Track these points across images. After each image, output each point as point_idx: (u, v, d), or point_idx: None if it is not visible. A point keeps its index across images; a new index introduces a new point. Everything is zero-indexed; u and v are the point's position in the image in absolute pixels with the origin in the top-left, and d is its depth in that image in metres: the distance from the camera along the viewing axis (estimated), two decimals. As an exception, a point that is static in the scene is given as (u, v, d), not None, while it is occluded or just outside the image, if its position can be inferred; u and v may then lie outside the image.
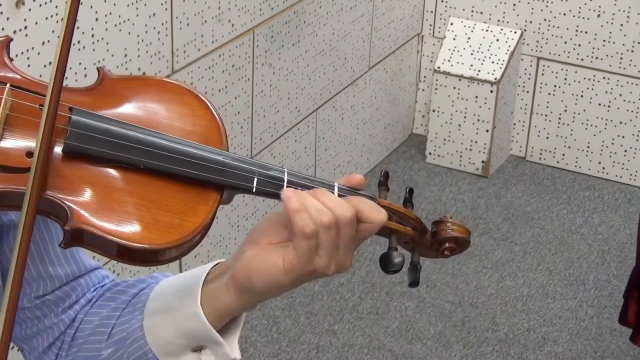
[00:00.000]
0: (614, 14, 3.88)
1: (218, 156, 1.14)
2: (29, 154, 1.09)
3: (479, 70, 4.00)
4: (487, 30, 4.08)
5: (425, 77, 4.28)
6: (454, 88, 4.03)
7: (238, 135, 3.15)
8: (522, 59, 4.09)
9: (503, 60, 4.00)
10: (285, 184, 1.15)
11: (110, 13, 2.51)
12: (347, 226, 1.13)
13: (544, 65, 4.07)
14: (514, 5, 4.03)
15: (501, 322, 3.30)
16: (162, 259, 1.12)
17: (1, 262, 1.24)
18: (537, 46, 4.05)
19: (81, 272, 1.30)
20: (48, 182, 1.08)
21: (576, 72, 4.02)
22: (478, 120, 4.03)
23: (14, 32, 2.22)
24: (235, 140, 3.14)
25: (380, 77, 3.98)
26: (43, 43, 2.31)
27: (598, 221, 3.84)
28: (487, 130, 4.04)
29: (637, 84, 3.94)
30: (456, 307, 3.35)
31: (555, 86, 4.08)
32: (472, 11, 4.10)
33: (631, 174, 4.07)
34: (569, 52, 4.00)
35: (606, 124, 4.04)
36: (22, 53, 2.26)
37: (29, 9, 2.26)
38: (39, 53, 2.30)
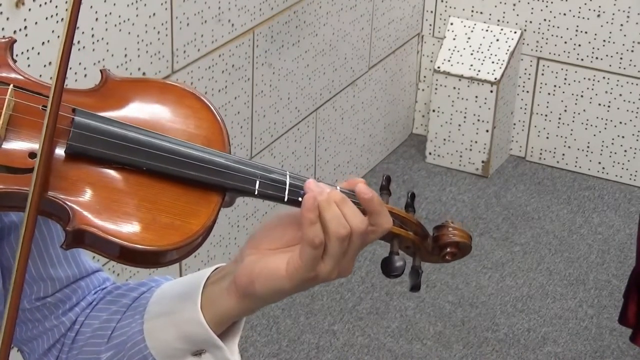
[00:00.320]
0: (614, 14, 3.88)
1: (220, 158, 1.14)
2: (32, 154, 1.09)
3: (479, 70, 4.00)
4: (487, 30, 4.07)
5: (425, 77, 4.28)
6: (454, 88, 4.03)
7: (238, 135, 3.15)
8: (522, 59, 4.09)
9: (503, 60, 4.00)
10: (287, 187, 1.14)
11: (110, 13, 2.51)
12: (360, 237, 1.13)
13: (544, 65, 4.07)
14: (514, 5, 4.03)
15: (501, 322, 3.30)
16: (163, 260, 1.11)
17: (1, 262, 1.24)
18: (537, 46, 4.05)
19: (82, 274, 1.30)
20: (50, 183, 1.08)
21: (576, 72, 4.02)
22: (478, 120, 4.03)
23: (14, 32, 2.22)
24: (235, 140, 3.14)
25: (380, 77, 3.98)
26: (43, 43, 2.31)
27: (598, 221, 3.84)
28: (487, 130, 4.03)
29: (637, 84, 3.94)
30: (456, 307, 3.35)
31: (555, 86, 4.08)
32: (472, 11, 4.10)
33: (631, 174, 4.07)
34: (569, 52, 4.00)
35: (606, 124, 4.04)
36: (22, 53, 2.26)
37: (29, 9, 2.25)
38: (39, 53, 2.30)
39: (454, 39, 4.08)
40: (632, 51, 3.90)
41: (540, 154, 4.21)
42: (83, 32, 2.43)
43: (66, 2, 2.33)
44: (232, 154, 1.16)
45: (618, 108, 4.00)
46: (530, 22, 4.03)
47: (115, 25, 2.53)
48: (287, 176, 1.15)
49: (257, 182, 1.14)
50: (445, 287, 3.44)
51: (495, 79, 3.97)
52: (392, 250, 1.18)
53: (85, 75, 2.46)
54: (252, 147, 3.25)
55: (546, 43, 4.03)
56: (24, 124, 1.10)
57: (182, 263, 2.95)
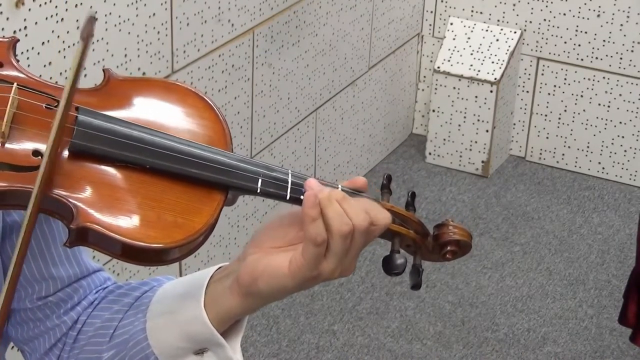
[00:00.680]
0: (614, 14, 3.88)
1: (222, 157, 1.14)
2: (36, 152, 1.09)
3: (479, 70, 4.00)
4: (487, 30, 4.08)
5: (425, 77, 4.28)
6: (454, 88, 4.03)
7: (238, 135, 3.15)
8: (522, 59, 4.09)
9: (503, 60, 4.00)
10: (289, 185, 1.15)
11: (110, 13, 2.51)
12: (362, 235, 1.13)
13: (543, 65, 4.07)
14: (514, 5, 4.03)
15: (501, 322, 3.30)
16: (166, 258, 1.12)
17: (3, 261, 1.24)
18: (537, 46, 4.05)
19: (83, 274, 1.30)
20: (53, 181, 1.08)
21: (576, 72, 4.02)
22: (478, 120, 4.03)
23: (14, 32, 2.22)
24: (235, 140, 3.14)
25: (380, 77, 3.98)
26: (43, 43, 2.31)
27: (598, 221, 3.84)
28: (487, 130, 4.04)
29: (637, 84, 3.94)
30: (456, 307, 3.35)
31: (555, 86, 4.08)
32: (472, 11, 4.10)
33: (631, 174, 4.07)
34: (568, 52, 4.00)
35: (606, 124, 4.04)
36: (22, 53, 2.26)
37: (29, 9, 2.25)
38: (38, 53, 2.30)
39: (454, 39, 4.08)
40: (632, 51, 3.90)
41: (540, 154, 4.21)
42: (83, 32, 2.42)
43: (66, 2, 2.33)
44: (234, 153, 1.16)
45: (618, 108, 4.00)
46: (530, 22, 4.03)
47: (115, 25, 2.54)
48: (290, 174, 1.15)
49: (260, 181, 1.14)
50: (445, 287, 3.44)
51: (495, 79, 3.97)
52: (393, 249, 1.18)
53: (85, 75, 2.46)
54: (252, 147, 3.25)
55: (546, 43, 4.03)
56: (28, 122, 1.10)
57: (182, 263, 2.95)
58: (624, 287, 2.83)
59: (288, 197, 1.15)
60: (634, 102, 3.97)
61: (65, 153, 1.10)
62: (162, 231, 1.09)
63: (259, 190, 1.14)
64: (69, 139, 1.10)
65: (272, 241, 1.16)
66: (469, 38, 4.07)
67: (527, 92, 4.14)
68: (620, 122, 4.02)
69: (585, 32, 3.95)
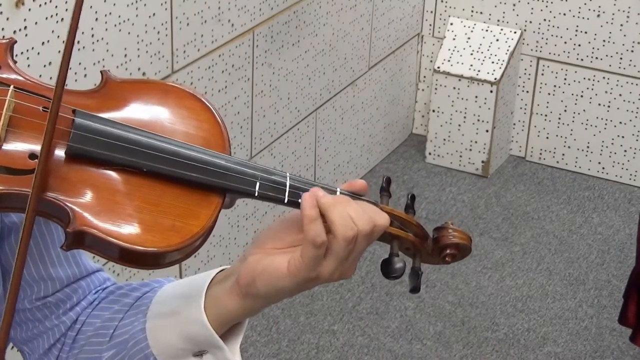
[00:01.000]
0: (614, 14, 3.88)
1: (220, 160, 1.14)
2: (32, 155, 1.09)
3: (479, 70, 4.00)
4: (487, 30, 4.07)
5: (425, 77, 4.28)
6: (454, 88, 4.03)
7: (238, 135, 3.15)
8: (522, 59, 4.09)
9: (503, 60, 4.00)
10: (287, 189, 1.15)
11: (110, 13, 2.51)
12: (365, 239, 1.13)
13: (543, 65, 4.07)
14: (514, 5, 4.03)
15: (501, 322, 3.30)
16: (163, 262, 1.12)
17: (1, 263, 1.24)
18: (537, 46, 4.05)
19: (82, 274, 1.30)
20: (50, 184, 1.08)
21: (576, 72, 4.02)
22: (478, 120, 4.03)
23: (14, 32, 2.22)
24: (235, 140, 3.14)
25: (380, 77, 3.98)
26: (43, 43, 2.31)
27: (598, 221, 3.84)
28: (487, 130, 4.04)
29: (637, 84, 3.94)
30: (456, 307, 3.35)
31: (555, 86, 4.08)
32: (472, 11, 4.10)
33: (631, 174, 4.07)
34: (568, 52, 4.00)
35: (606, 124, 4.04)
36: (21, 53, 2.26)
37: (29, 9, 2.25)
38: (38, 53, 2.30)
39: (454, 39, 4.08)
40: (632, 51, 3.90)
41: (540, 154, 4.21)
42: (83, 32, 2.43)
43: (66, 2, 2.33)
44: (233, 155, 1.16)
45: (618, 108, 4.00)
46: (530, 22, 4.03)
47: (115, 25, 2.54)
48: (288, 178, 1.15)
49: (258, 184, 1.14)
50: (445, 287, 3.44)
51: (495, 79, 3.97)
52: (392, 252, 1.18)
53: (85, 75, 2.46)
54: (252, 147, 3.25)
55: (546, 43, 4.03)
56: (24, 125, 1.10)
57: (182, 264, 2.95)
58: (624, 287, 2.83)
59: (286, 201, 1.15)
60: (634, 102, 3.97)
61: (63, 156, 1.10)
62: (159, 235, 1.09)
63: (256, 194, 1.14)
64: (65, 142, 1.10)
65: (273, 242, 1.16)
66: (469, 38, 4.07)
67: (527, 92, 4.14)
68: (620, 122, 4.02)
69: (585, 32, 3.95)
